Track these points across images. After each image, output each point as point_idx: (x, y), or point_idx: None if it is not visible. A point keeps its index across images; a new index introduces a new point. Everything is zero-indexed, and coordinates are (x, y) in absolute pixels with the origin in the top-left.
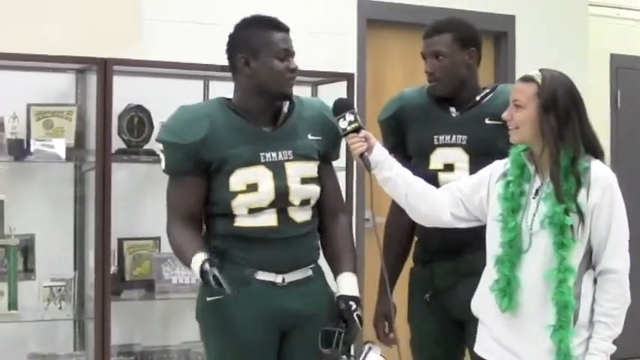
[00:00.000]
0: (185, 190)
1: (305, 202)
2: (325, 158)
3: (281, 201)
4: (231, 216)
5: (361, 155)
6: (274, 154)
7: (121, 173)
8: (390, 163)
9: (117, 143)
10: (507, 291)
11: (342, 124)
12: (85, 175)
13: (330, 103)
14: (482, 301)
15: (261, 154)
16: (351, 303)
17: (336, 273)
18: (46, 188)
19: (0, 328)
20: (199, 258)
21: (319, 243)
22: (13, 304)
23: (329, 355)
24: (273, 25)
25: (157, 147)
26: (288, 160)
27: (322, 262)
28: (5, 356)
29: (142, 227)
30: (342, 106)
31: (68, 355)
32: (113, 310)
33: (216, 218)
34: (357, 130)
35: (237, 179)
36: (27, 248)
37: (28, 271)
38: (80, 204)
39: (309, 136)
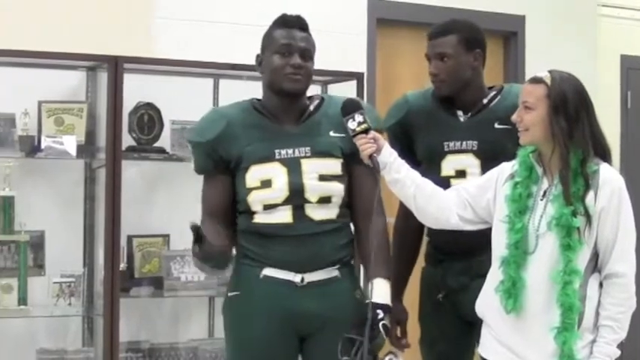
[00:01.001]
0: (213, 188)
1: (325, 200)
2: (355, 157)
3: (296, 198)
4: (250, 213)
5: (370, 156)
6: (290, 151)
7: (131, 171)
8: (398, 164)
9: (127, 141)
10: (512, 292)
11: (351, 124)
12: (95, 173)
13: None
14: (487, 302)
15: (276, 150)
16: (379, 311)
17: (368, 278)
18: (56, 185)
19: (10, 324)
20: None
21: (352, 243)
22: (22, 300)
23: None
24: (282, 22)
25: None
26: (305, 157)
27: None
28: (15, 351)
29: (152, 224)
30: (351, 107)
31: (77, 350)
32: (122, 306)
33: (240, 216)
34: (365, 131)
35: (252, 175)
36: (37, 244)
37: (38, 267)
38: (90, 201)
39: (332, 134)
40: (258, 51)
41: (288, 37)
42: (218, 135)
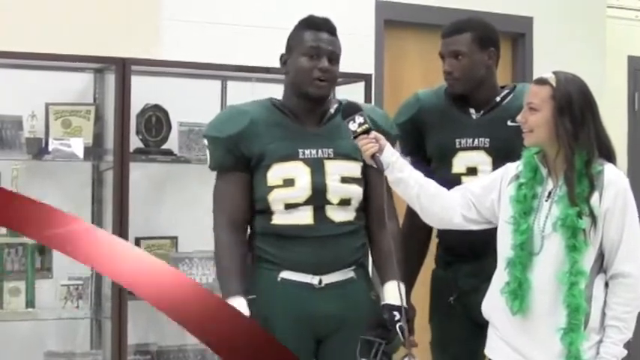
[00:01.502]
0: (231, 186)
1: (345, 202)
2: None
3: (318, 198)
4: (269, 213)
5: (373, 156)
6: (314, 151)
7: (139, 173)
8: (401, 164)
9: (134, 143)
10: (518, 293)
11: (352, 126)
12: (103, 175)
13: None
14: (493, 304)
15: (300, 150)
16: (395, 313)
17: (382, 281)
18: (63, 187)
19: (17, 326)
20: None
21: (366, 245)
22: (30, 303)
23: None
24: (310, 24)
25: (204, 143)
26: (328, 158)
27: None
28: (22, 354)
29: (160, 227)
30: (350, 109)
31: (85, 353)
32: (130, 309)
33: (257, 216)
34: (367, 132)
35: (274, 174)
36: (44, 247)
37: (46, 269)
38: (98, 203)
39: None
40: (266, 53)
41: (317, 40)
42: (240, 131)
